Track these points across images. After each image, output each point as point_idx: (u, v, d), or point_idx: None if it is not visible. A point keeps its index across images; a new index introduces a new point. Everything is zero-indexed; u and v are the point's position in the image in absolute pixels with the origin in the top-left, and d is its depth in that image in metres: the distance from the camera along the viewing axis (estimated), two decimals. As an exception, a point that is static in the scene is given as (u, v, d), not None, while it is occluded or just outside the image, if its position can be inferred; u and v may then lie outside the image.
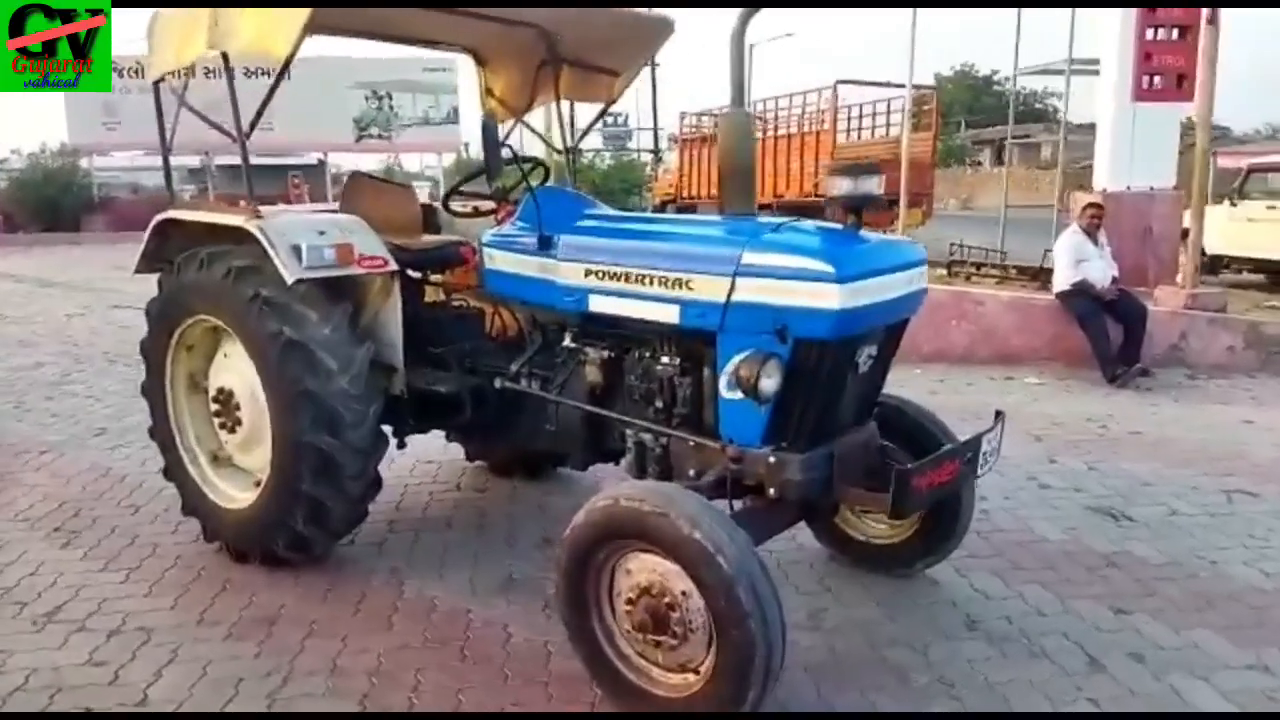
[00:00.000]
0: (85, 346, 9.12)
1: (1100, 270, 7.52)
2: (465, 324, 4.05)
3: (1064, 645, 3.10)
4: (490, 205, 3.99)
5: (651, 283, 2.99)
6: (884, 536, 3.55)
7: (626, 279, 3.06)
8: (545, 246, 3.30)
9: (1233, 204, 12.51)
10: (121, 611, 3.43)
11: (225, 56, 3.47)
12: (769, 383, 2.67)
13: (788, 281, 2.67)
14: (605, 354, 3.29)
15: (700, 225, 3.37)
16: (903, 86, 18.07)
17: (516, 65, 4.61)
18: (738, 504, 2.97)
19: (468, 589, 3.59)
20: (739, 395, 2.80)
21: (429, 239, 4.25)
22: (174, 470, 4.04)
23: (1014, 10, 13.11)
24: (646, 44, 4.29)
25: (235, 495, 3.84)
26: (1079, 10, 11.63)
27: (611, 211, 3.63)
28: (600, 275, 3.14)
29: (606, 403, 3.36)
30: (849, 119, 19.11)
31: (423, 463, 5.04)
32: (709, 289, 2.83)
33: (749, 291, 2.75)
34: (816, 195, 17.18)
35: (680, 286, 2.91)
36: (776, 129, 19.34)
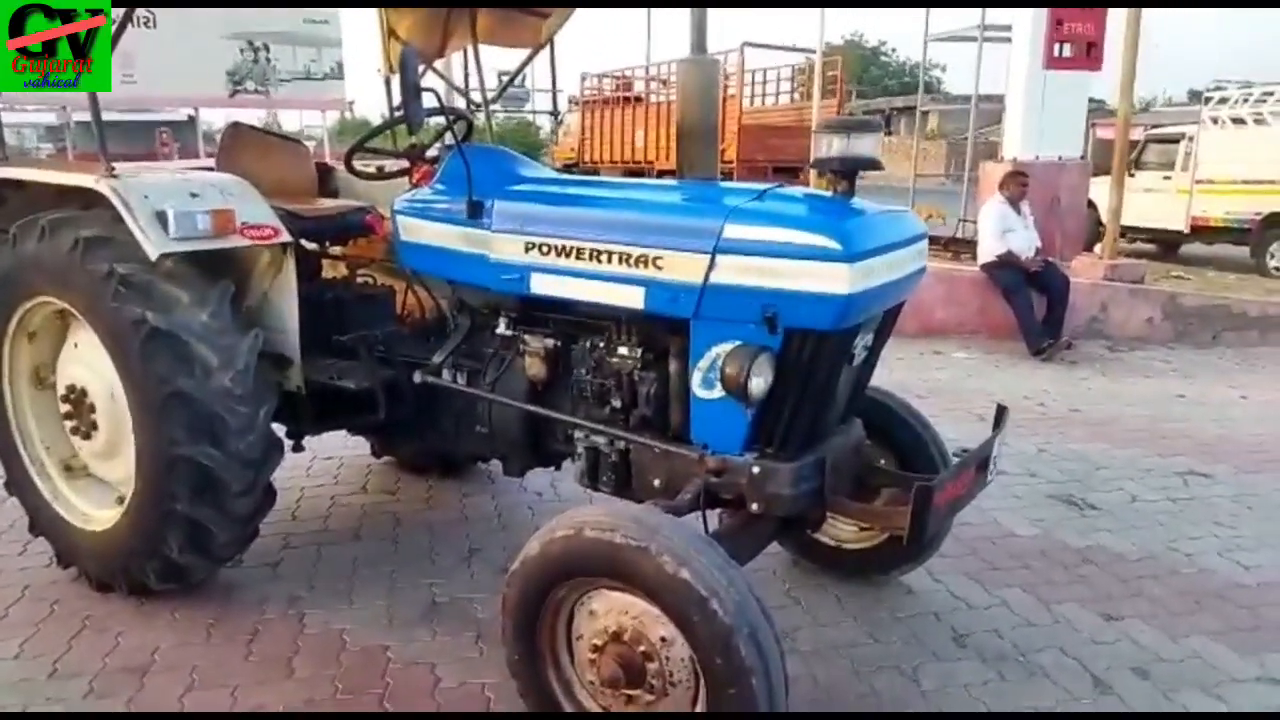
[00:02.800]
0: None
1: (1025, 240, 7.40)
2: (373, 305, 3.46)
3: (1063, 662, 2.81)
4: (402, 165, 3.40)
5: (609, 260, 2.50)
6: (855, 541, 3.19)
7: (577, 255, 2.56)
8: (475, 215, 2.76)
9: (1129, 174, 12.75)
10: (-53, 666, 2.77)
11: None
12: (759, 382, 2.24)
13: (781, 260, 2.22)
14: (549, 343, 2.79)
15: (667, 191, 2.90)
16: (808, 51, 17.88)
17: (424, 2, 3.99)
18: (709, 518, 2.54)
19: (383, 619, 3.06)
20: (718, 394, 2.36)
21: (327, 204, 3.63)
22: (18, 483, 3.34)
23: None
24: (578, -19, 3.74)
25: (93, 513, 3.18)
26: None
27: (553, 174, 3.10)
28: (544, 250, 2.63)
29: (550, 400, 2.87)
30: (753, 84, 18.83)
31: (321, 459, 4.43)
32: (682, 268, 2.37)
33: (731, 272, 2.30)
34: (724, 161, 16.86)
35: (645, 265, 2.43)
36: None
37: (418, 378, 2.98)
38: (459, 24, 3.98)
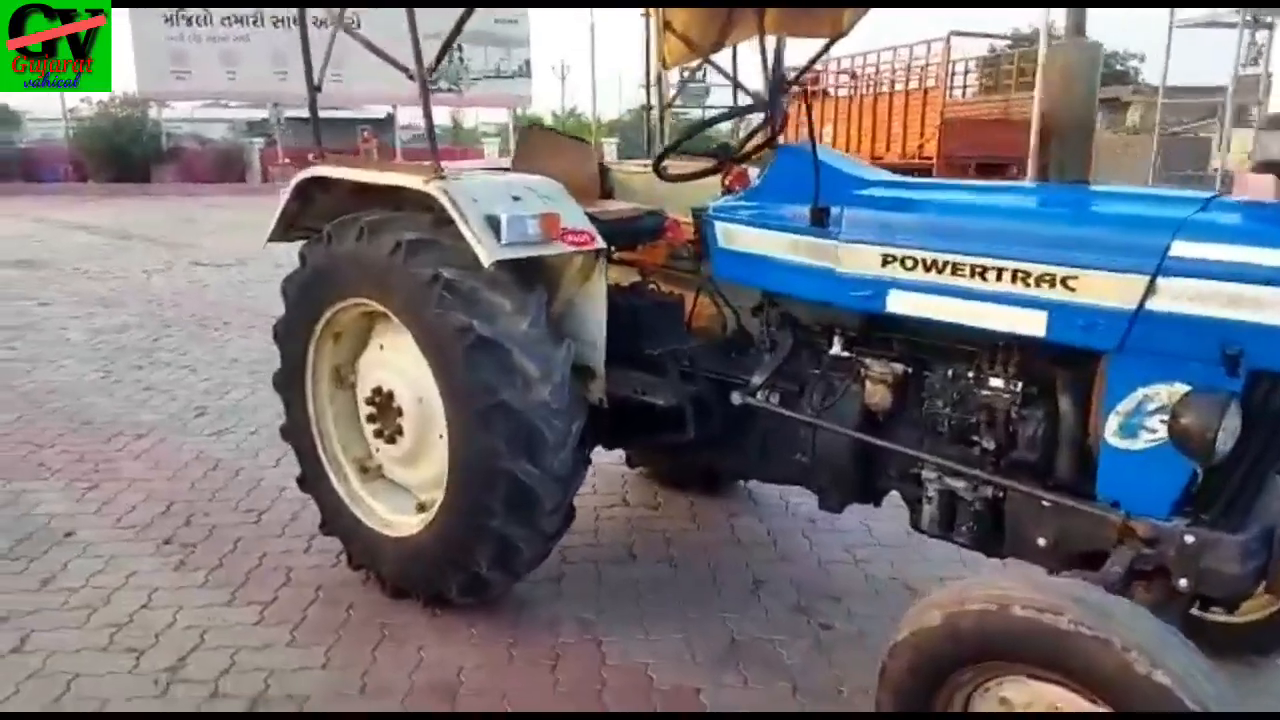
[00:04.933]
0: (170, 308, 8.56)
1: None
2: (665, 315, 3.25)
3: None
4: (697, 166, 3.17)
5: (999, 278, 2.16)
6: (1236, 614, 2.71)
7: (954, 271, 2.24)
8: (820, 222, 2.49)
9: None
10: (262, 669, 2.75)
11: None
12: (1227, 436, 1.84)
13: (1257, 288, 1.82)
14: (897, 369, 2.49)
15: (1073, 198, 2.52)
16: (1025, 41, 16.79)
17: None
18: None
19: (685, 655, 2.84)
20: (1144, 444, 1.99)
21: (616, 206, 3.45)
22: (313, 481, 3.34)
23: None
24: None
25: (392, 519, 3.13)
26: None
27: (910, 179, 2.77)
28: (908, 264, 2.32)
29: (890, 432, 2.56)
30: (955, 74, 17.89)
31: (576, 467, 4.29)
32: (1105, 291, 2.00)
33: (1178, 298, 1.91)
34: (922, 157, 16.08)
35: (1051, 285, 2.08)
36: (876, 85, 18.18)
37: (736, 399, 2.73)
38: (743, 16, 3.72)
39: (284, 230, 3.31)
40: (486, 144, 25.03)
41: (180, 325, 7.75)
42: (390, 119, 27.47)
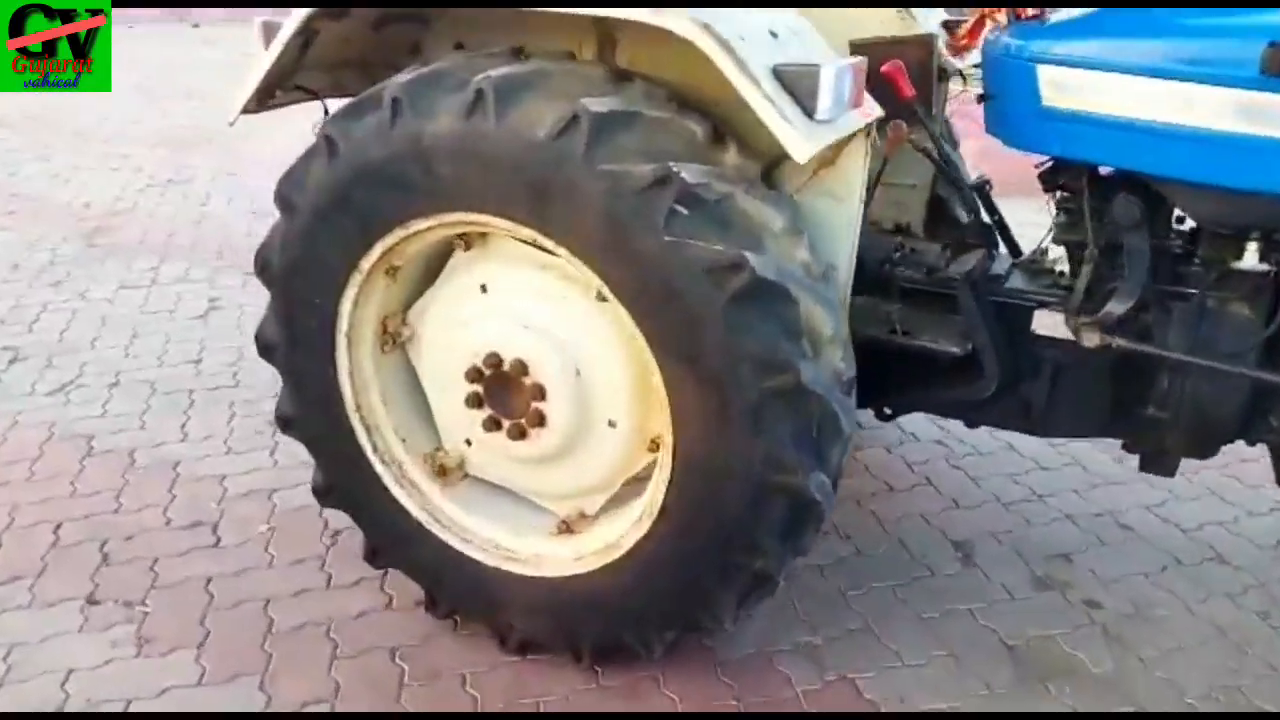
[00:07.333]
0: None
1: None
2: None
3: None
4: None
5: None
6: None
7: None
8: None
9: None
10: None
11: None
12: None
13: None
14: None
15: None
16: None
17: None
18: None
19: (973, 683, 2.10)
20: None
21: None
22: (351, 492, 2.16)
23: None
24: None
25: (517, 546, 2.04)
26: None
27: None
28: None
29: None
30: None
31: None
32: None
33: None
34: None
35: None
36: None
37: (1093, 338, 1.87)
38: None
39: (266, 95, 1.95)
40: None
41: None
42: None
